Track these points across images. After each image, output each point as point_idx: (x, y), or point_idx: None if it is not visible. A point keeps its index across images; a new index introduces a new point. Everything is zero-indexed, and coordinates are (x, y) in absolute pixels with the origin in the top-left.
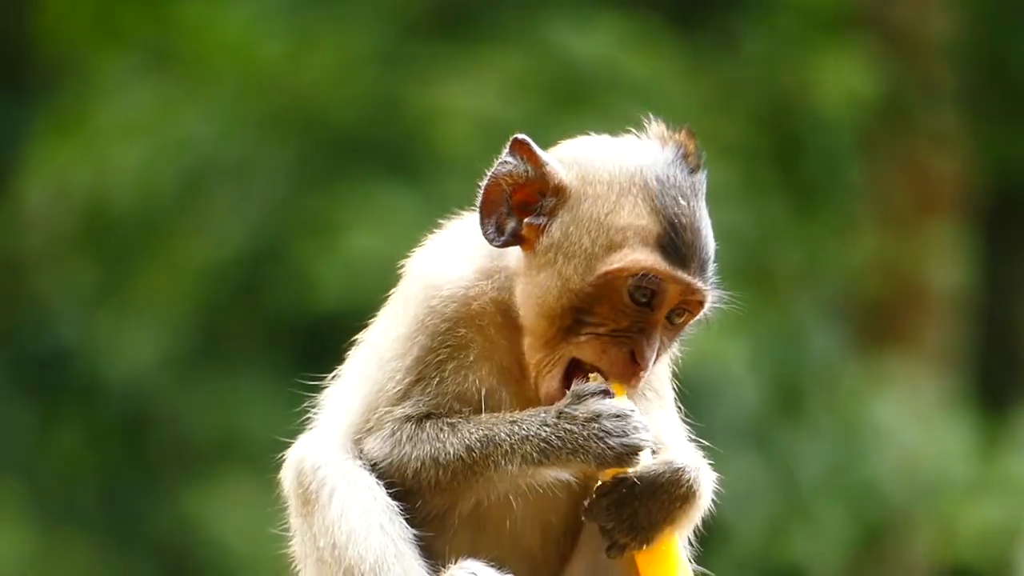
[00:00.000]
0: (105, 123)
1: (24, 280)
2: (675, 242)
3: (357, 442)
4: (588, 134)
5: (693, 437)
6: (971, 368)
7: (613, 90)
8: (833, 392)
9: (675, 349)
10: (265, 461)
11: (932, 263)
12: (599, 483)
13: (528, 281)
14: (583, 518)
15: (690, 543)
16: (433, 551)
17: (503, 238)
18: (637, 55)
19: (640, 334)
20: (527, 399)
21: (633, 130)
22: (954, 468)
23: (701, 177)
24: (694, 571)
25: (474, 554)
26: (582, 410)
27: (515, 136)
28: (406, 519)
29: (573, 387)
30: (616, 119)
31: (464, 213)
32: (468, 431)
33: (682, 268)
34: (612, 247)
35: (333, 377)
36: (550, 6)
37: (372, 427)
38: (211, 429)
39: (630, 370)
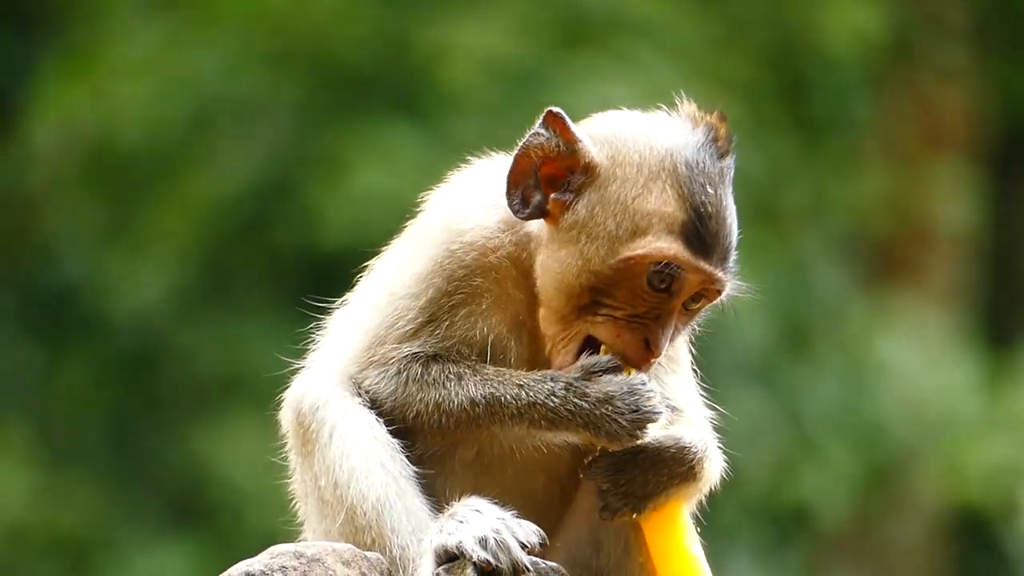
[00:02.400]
0: (113, 61)
1: (31, 218)
2: (700, 231)
3: (360, 374)
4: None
5: (704, 384)
6: (978, 305)
7: (620, 28)
8: (840, 330)
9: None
10: (271, 398)
11: (939, 200)
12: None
13: (549, 255)
14: (581, 475)
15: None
16: (435, 490)
17: (527, 210)
18: None
19: (656, 321)
20: (537, 352)
21: (663, 106)
22: (961, 406)
23: (730, 162)
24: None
25: (477, 493)
26: (593, 389)
27: (550, 109)
28: (407, 457)
29: (583, 359)
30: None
31: (491, 154)
32: (475, 385)
33: (704, 258)
34: (637, 232)
35: (341, 304)
36: None
37: (377, 361)
38: (218, 366)
39: (643, 355)
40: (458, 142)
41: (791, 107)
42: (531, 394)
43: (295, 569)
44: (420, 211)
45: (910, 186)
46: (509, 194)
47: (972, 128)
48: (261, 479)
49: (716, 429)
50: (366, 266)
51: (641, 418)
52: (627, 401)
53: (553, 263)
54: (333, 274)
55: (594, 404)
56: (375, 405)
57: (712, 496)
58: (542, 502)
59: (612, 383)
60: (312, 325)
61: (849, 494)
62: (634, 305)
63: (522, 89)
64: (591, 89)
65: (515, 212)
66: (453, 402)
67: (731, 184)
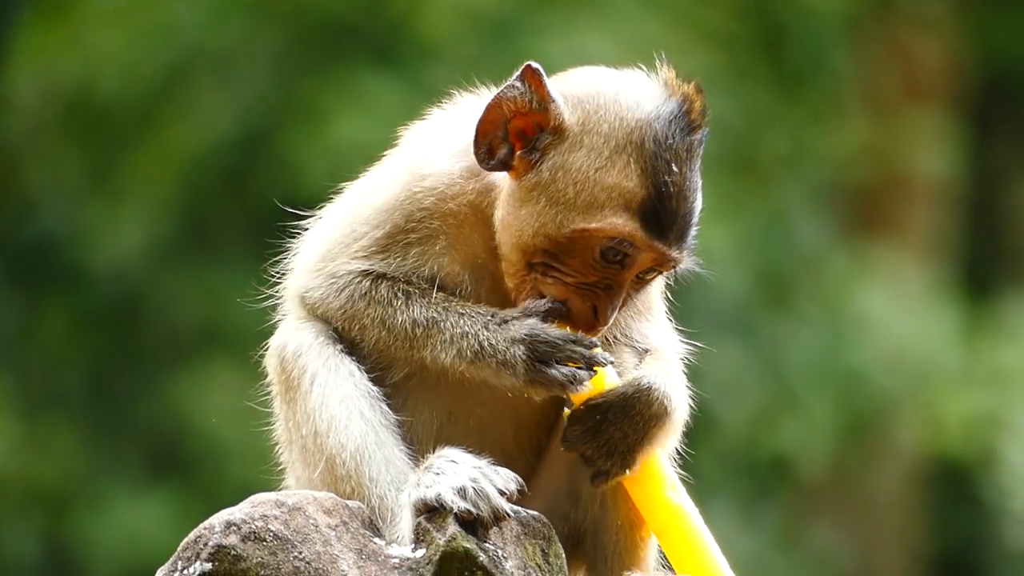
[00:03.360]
0: (92, 11)
1: (11, 169)
2: (658, 211)
3: (311, 284)
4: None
5: (681, 331)
6: (957, 255)
7: None
8: (819, 281)
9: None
10: (251, 348)
11: (919, 150)
12: (570, 411)
13: (508, 210)
14: (562, 448)
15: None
16: (414, 438)
17: (492, 162)
18: None
19: (605, 291)
20: (502, 295)
21: (643, 69)
22: (940, 356)
23: (701, 136)
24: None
25: (452, 443)
26: (519, 326)
27: (528, 63)
28: (387, 405)
29: (527, 302)
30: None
31: (476, 92)
32: (420, 305)
33: (659, 238)
34: (594, 205)
35: (313, 219)
36: None
37: (327, 272)
38: (197, 316)
39: (589, 323)
40: (436, 92)
41: (770, 57)
42: (467, 324)
43: (276, 518)
44: (396, 145)
45: (889, 136)
46: (476, 143)
47: (951, 78)
48: (241, 429)
49: (693, 374)
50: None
51: (549, 376)
52: (544, 348)
53: (512, 219)
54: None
55: (512, 340)
56: (323, 318)
57: (690, 445)
58: (512, 453)
59: (539, 326)
60: (283, 264)
61: (828, 445)
62: (585, 274)
63: (500, 39)
64: (569, 39)
65: (480, 162)
66: (396, 319)
67: (699, 158)
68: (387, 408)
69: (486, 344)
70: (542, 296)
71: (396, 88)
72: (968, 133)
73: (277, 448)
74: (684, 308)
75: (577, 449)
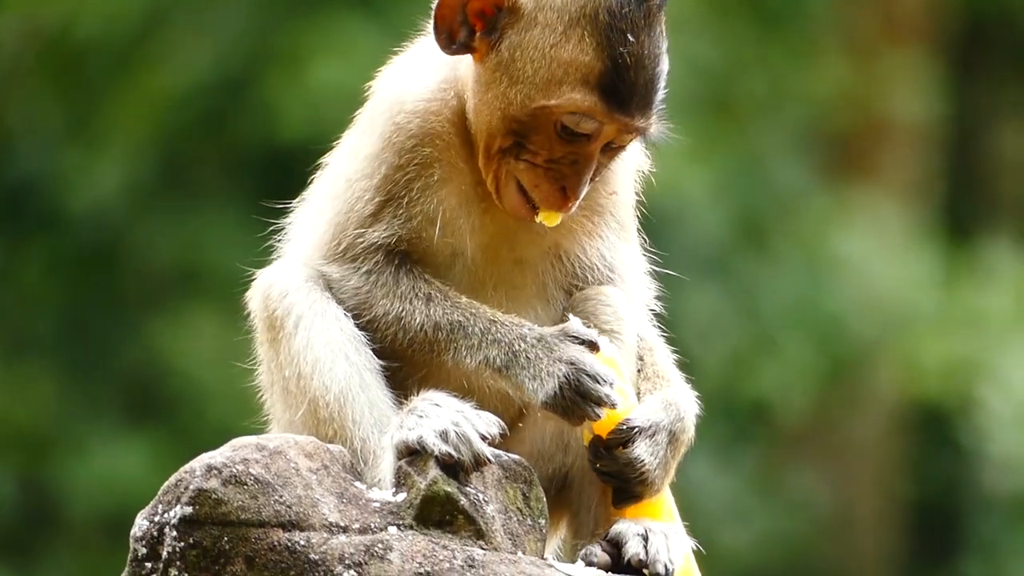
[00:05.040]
0: None
1: None
2: (616, 82)
3: (327, 266)
4: None
5: (655, 269)
6: (936, 200)
7: None
8: (797, 223)
9: (640, 171)
10: (230, 292)
11: (898, 93)
12: (592, 436)
13: (476, 96)
14: (595, 473)
15: None
16: (399, 382)
17: (454, 46)
18: None
19: (572, 167)
20: (486, 227)
21: None
22: (919, 300)
23: (659, 1)
24: None
25: (440, 385)
26: (564, 350)
27: None
28: (373, 350)
29: (569, 323)
30: None
31: (428, 32)
32: (444, 310)
33: (620, 109)
34: (552, 82)
35: (300, 202)
36: None
37: (344, 251)
38: (175, 260)
39: (560, 202)
40: (415, 35)
41: None
42: (500, 332)
43: (257, 462)
44: (367, 97)
45: (869, 78)
46: (436, 28)
47: (931, 19)
48: (220, 373)
49: (667, 323)
50: (321, 162)
51: (583, 407)
52: (584, 379)
53: (479, 103)
54: (291, 168)
55: (555, 360)
56: (338, 298)
57: None
58: (505, 396)
59: (585, 355)
60: (273, 221)
61: (807, 389)
62: (551, 151)
63: None
64: None
65: (442, 48)
66: (416, 321)
67: (660, 24)
68: (372, 353)
69: (521, 356)
70: (522, 187)
71: (374, 32)
72: (948, 75)
73: (259, 393)
74: (662, 249)
75: (610, 473)
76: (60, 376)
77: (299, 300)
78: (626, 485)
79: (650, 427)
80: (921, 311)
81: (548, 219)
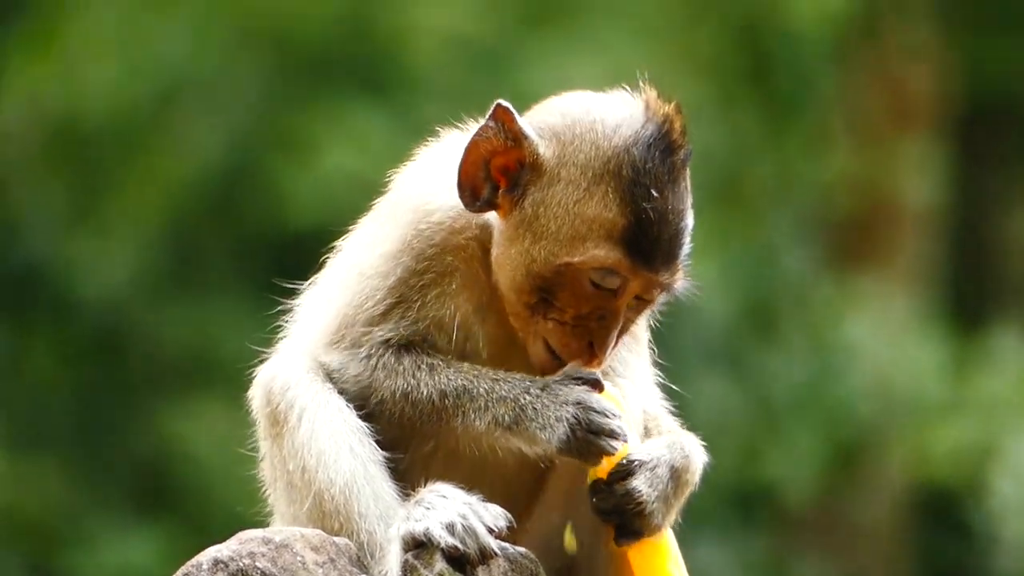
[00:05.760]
0: (77, 38)
1: None
2: (640, 237)
3: (328, 354)
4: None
5: (661, 362)
6: (945, 285)
7: (587, 6)
8: (806, 310)
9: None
10: (239, 380)
11: (906, 178)
12: (595, 476)
13: (500, 251)
14: (592, 512)
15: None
16: (404, 474)
17: (478, 204)
18: None
19: (600, 322)
20: (500, 336)
21: (624, 88)
22: (928, 386)
23: (683, 155)
24: None
25: (447, 477)
26: (568, 393)
27: (498, 102)
28: (376, 441)
29: (569, 367)
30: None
31: (460, 127)
32: (448, 376)
33: (645, 264)
34: (576, 238)
35: (310, 285)
36: None
37: (347, 343)
38: (185, 348)
39: (588, 358)
40: (423, 121)
41: (757, 84)
42: (505, 388)
43: (264, 555)
44: (387, 190)
45: (876, 164)
46: (460, 187)
47: (938, 105)
48: (229, 462)
49: (680, 412)
50: (333, 247)
51: (597, 444)
52: (593, 417)
53: (504, 259)
54: (300, 255)
55: (562, 404)
56: (338, 383)
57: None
58: (513, 486)
59: (589, 395)
60: (280, 308)
61: (815, 474)
62: (577, 307)
63: (486, 68)
64: (556, 68)
65: (466, 206)
66: (422, 392)
67: (684, 179)
68: (376, 445)
69: (528, 409)
70: (548, 346)
71: (383, 118)
72: (955, 161)
73: (263, 486)
74: (672, 337)
75: (610, 508)
76: (69, 465)
77: (302, 393)
78: (624, 519)
79: (650, 460)
80: (929, 396)
81: None
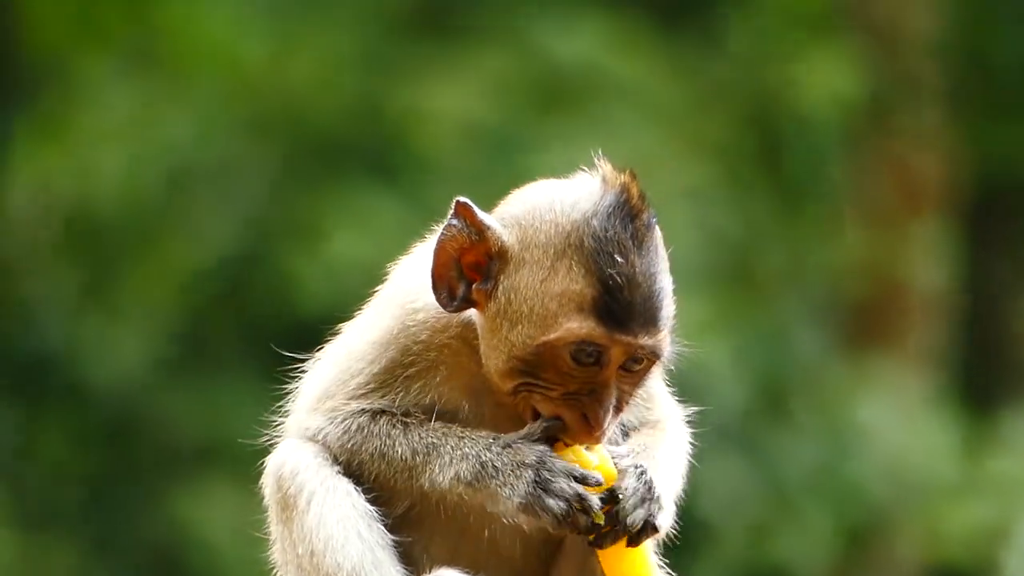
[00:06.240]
0: (88, 125)
1: (8, 283)
2: (612, 304)
3: (308, 420)
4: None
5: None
6: (956, 367)
7: (597, 91)
8: (818, 392)
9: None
10: (250, 465)
11: (916, 262)
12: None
13: (484, 343)
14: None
15: (675, 544)
16: (412, 558)
17: (455, 303)
18: (621, 56)
19: (590, 395)
20: (498, 416)
21: (584, 168)
22: (940, 468)
23: (647, 219)
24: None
25: (453, 561)
26: (528, 451)
27: (457, 199)
28: (385, 525)
29: (530, 424)
30: (599, 120)
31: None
32: (419, 435)
33: (621, 330)
34: (548, 316)
35: (308, 366)
36: (533, 6)
37: (326, 408)
38: (196, 432)
39: (584, 432)
40: (434, 207)
41: (768, 169)
42: (468, 446)
43: None
44: (385, 280)
45: (887, 248)
46: (435, 289)
47: (948, 190)
48: (241, 544)
49: (692, 487)
50: (339, 328)
51: (543, 498)
52: (557, 479)
53: (488, 349)
54: (310, 340)
55: (522, 465)
56: (321, 444)
57: (691, 555)
58: (521, 569)
59: (547, 454)
60: (285, 390)
61: (828, 555)
62: (565, 384)
63: (498, 153)
64: (567, 153)
65: (444, 306)
66: (396, 451)
67: (652, 243)
68: (384, 529)
69: (488, 466)
70: (538, 415)
71: (394, 204)
72: (965, 245)
73: (273, 570)
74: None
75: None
76: (80, 547)
77: (310, 478)
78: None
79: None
80: (941, 478)
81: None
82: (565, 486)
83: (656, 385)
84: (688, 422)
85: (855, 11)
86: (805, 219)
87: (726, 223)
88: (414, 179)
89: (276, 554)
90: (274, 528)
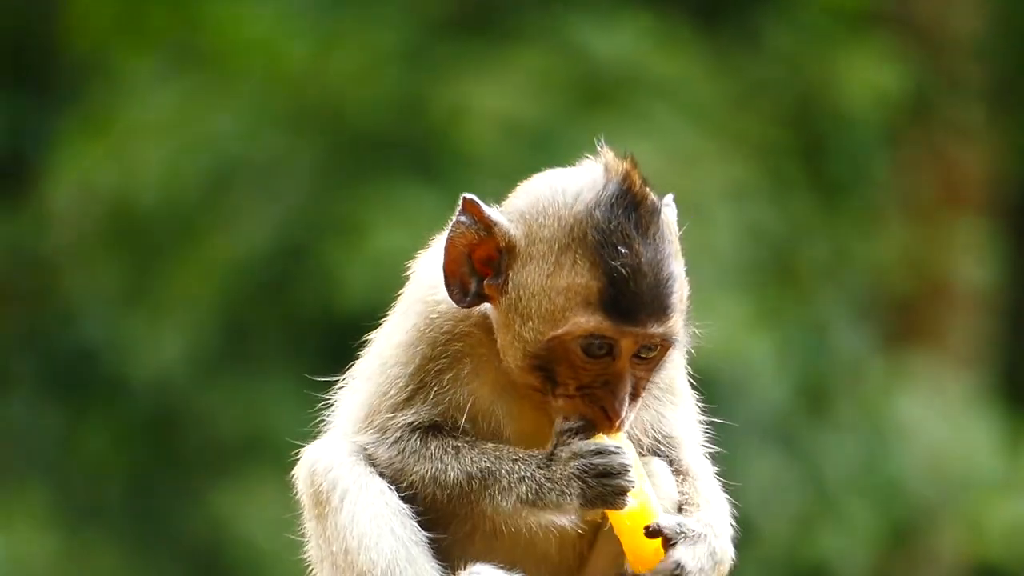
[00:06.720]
0: (131, 122)
1: (51, 280)
2: (618, 296)
3: (358, 439)
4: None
5: (712, 435)
6: (998, 364)
7: (637, 89)
8: (859, 389)
9: (687, 345)
10: (291, 460)
11: (958, 259)
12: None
13: (500, 337)
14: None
15: None
16: (446, 554)
17: (468, 299)
18: (661, 53)
19: (605, 387)
20: (524, 413)
21: (591, 158)
22: (981, 465)
23: (651, 205)
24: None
25: (488, 557)
26: (564, 451)
27: (464, 195)
28: (419, 522)
29: (556, 423)
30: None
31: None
32: (471, 459)
33: (629, 321)
34: (556, 311)
35: (345, 379)
36: (575, 4)
37: (375, 428)
38: (237, 428)
39: (606, 424)
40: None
41: (810, 166)
42: (523, 468)
43: None
44: (409, 277)
45: (929, 244)
46: (447, 284)
47: (990, 186)
48: (281, 540)
49: (733, 483)
50: (368, 338)
51: (611, 484)
52: (596, 459)
53: (504, 346)
54: (351, 336)
55: (564, 464)
56: (375, 467)
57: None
58: (556, 565)
59: (580, 443)
60: (326, 391)
61: (869, 553)
62: (579, 377)
63: (539, 149)
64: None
65: (457, 302)
66: (449, 476)
67: (657, 230)
68: (417, 526)
69: (544, 480)
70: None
71: (435, 200)
72: (1008, 242)
73: (309, 567)
74: (725, 417)
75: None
76: (122, 544)
77: (344, 474)
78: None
79: (693, 534)
80: (983, 475)
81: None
82: (608, 462)
83: (683, 395)
84: (717, 476)
85: (897, 8)
86: (847, 216)
87: (767, 220)
88: (455, 175)
89: (311, 551)
90: (308, 525)
